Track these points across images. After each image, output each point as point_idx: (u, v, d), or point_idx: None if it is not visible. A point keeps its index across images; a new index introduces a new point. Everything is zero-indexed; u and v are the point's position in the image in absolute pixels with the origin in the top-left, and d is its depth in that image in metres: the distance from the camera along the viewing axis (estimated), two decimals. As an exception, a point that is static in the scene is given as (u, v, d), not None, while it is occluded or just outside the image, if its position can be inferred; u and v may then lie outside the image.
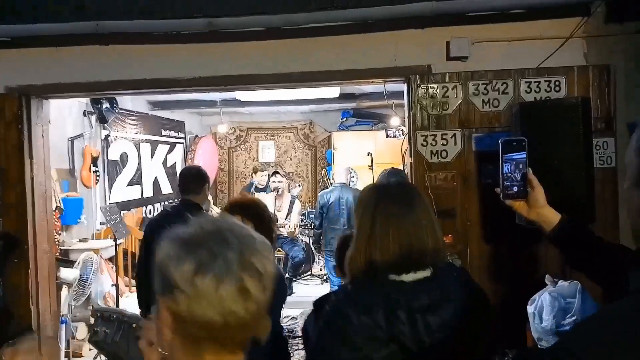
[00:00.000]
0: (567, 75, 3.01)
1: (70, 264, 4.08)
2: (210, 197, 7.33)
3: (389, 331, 1.16)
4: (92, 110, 5.34)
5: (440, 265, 1.29)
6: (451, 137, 3.11)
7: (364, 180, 6.11)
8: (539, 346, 2.32)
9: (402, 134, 6.17)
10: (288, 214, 5.86)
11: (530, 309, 2.41)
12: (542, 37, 3.01)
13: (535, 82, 3.04)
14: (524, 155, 1.33)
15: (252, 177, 6.91)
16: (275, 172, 5.97)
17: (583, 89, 2.99)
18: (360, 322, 1.18)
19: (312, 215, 6.20)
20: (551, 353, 0.69)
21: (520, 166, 1.33)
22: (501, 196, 1.36)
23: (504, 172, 1.34)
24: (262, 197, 6.19)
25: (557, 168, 2.30)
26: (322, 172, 8.54)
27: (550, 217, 1.33)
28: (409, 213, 1.26)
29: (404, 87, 3.31)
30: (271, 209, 5.54)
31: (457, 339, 1.20)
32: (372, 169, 6.00)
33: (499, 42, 3.05)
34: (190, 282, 0.77)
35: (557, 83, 3.03)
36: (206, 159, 7.61)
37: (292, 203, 5.93)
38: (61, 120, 4.85)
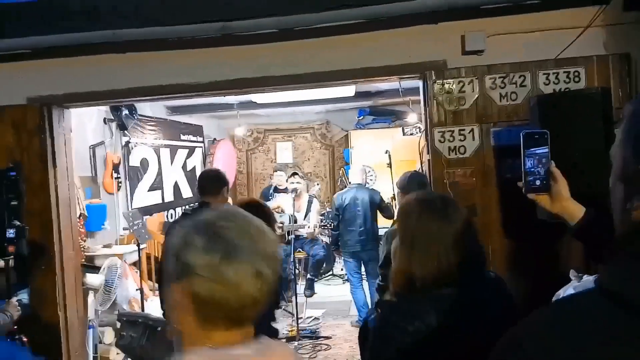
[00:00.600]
0: (587, 65, 2.95)
1: (95, 269, 4.16)
2: (230, 200, 7.39)
3: (439, 334, 1.20)
4: (112, 118, 5.43)
5: (476, 278, 1.30)
6: (469, 133, 3.07)
7: (382, 178, 6.08)
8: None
9: (419, 131, 6.13)
10: (306, 214, 5.87)
11: (554, 304, 2.36)
12: (559, 27, 2.95)
13: (553, 73, 2.99)
14: (547, 149, 1.30)
15: (270, 177, 6.95)
16: (294, 174, 5.98)
17: (603, 78, 2.92)
18: (414, 328, 1.22)
19: (331, 216, 6.21)
20: (503, 339, 0.67)
21: (543, 159, 1.30)
22: (524, 190, 1.34)
23: (527, 165, 1.31)
24: (282, 198, 6.22)
25: (576, 161, 2.25)
26: (341, 172, 8.53)
27: (575, 210, 1.31)
28: (448, 228, 1.29)
29: (419, 84, 3.28)
30: (290, 211, 5.59)
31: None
32: (391, 167, 5.97)
33: (515, 34, 3.00)
34: (211, 267, 0.84)
35: (576, 74, 2.97)
36: (225, 162, 7.68)
37: (310, 203, 5.94)
38: (82, 129, 4.94)
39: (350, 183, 5.69)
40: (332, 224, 5.33)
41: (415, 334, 1.20)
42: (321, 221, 5.92)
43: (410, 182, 2.82)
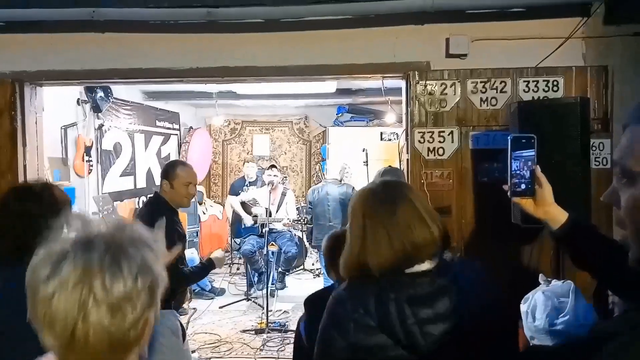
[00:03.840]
0: (565, 75, 3.02)
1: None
2: (204, 190, 7.30)
3: (379, 320, 1.18)
4: (86, 99, 5.28)
5: (446, 259, 1.28)
6: (448, 135, 3.11)
7: (358, 176, 6.10)
8: (531, 344, 2.32)
9: (397, 137, 6.17)
10: (279, 206, 5.85)
11: (523, 307, 2.41)
12: (541, 36, 3.01)
13: (533, 81, 3.05)
14: (533, 153, 1.31)
15: (240, 169, 6.88)
16: (272, 166, 5.94)
17: (581, 89, 3.00)
18: (353, 310, 1.21)
19: (305, 210, 6.21)
20: None
21: (529, 163, 1.32)
22: (509, 193, 1.35)
23: (513, 169, 1.32)
24: (254, 190, 6.18)
25: (553, 168, 2.30)
26: (317, 167, 8.52)
27: (558, 215, 1.33)
28: (395, 213, 1.26)
29: (402, 84, 3.30)
30: (265, 203, 5.56)
31: (454, 333, 1.19)
32: (367, 165, 5.99)
33: (498, 41, 3.05)
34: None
35: (555, 83, 3.03)
36: (201, 151, 7.57)
37: (283, 195, 5.92)
38: (54, 108, 4.78)
39: (325, 179, 5.69)
40: (306, 219, 5.30)
41: (363, 322, 1.20)
42: (297, 215, 5.92)
43: (382, 178, 2.82)
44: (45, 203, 1.72)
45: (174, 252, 2.31)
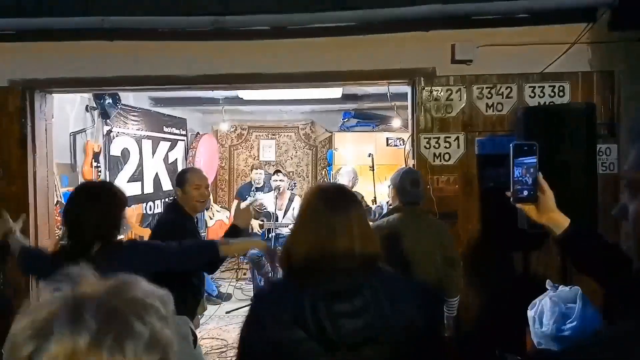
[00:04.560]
0: (571, 80, 3.03)
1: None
2: (210, 195, 7.33)
3: (294, 314, 1.21)
4: (95, 106, 5.33)
5: (369, 274, 1.29)
6: (454, 140, 3.12)
7: (364, 181, 6.11)
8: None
9: (403, 143, 6.18)
10: (286, 211, 5.86)
11: (530, 313, 2.41)
12: (547, 42, 3.02)
13: (539, 87, 3.05)
14: (535, 160, 1.33)
15: (249, 175, 6.91)
16: (277, 171, 5.96)
17: (587, 95, 3.00)
18: (270, 305, 1.27)
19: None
20: None
21: (531, 170, 1.33)
22: (511, 200, 1.36)
23: (515, 175, 1.34)
24: (264, 195, 6.20)
25: (559, 173, 2.30)
26: (323, 172, 8.54)
27: (560, 221, 1.34)
28: (329, 217, 1.31)
29: (408, 90, 3.31)
30: (272, 209, 5.57)
31: (369, 331, 1.21)
32: (373, 170, 6.00)
33: (504, 47, 3.06)
34: None
35: (561, 88, 3.04)
36: (208, 156, 7.61)
37: (290, 201, 5.93)
38: (63, 115, 4.84)
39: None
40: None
41: (279, 316, 1.23)
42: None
43: (403, 179, 2.82)
44: (117, 198, 2.00)
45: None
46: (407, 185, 2.78)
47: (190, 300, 2.69)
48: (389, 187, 3.04)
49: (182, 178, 2.88)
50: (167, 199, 6.81)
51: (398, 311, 1.23)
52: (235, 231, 2.62)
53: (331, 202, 1.34)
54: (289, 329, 1.21)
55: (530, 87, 3.06)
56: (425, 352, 1.29)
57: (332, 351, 1.20)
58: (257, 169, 6.99)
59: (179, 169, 7.42)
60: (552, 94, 3.03)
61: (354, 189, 5.50)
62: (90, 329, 0.61)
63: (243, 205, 6.08)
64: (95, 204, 1.95)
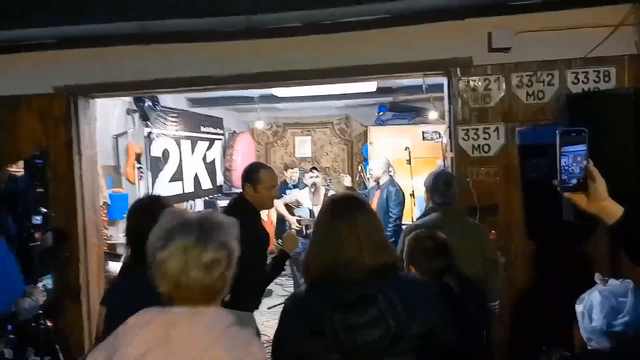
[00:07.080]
0: (617, 64, 2.89)
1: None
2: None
3: (313, 327, 1.25)
4: (135, 109, 5.48)
5: (384, 282, 1.30)
6: (494, 131, 3.03)
7: (402, 175, 6.03)
8: (588, 347, 2.24)
9: (439, 136, 6.06)
10: (323, 207, 5.86)
11: (579, 307, 2.31)
12: (589, 25, 2.89)
13: (582, 72, 2.93)
14: (584, 147, 1.25)
15: (282, 174, 6.93)
16: (313, 168, 5.97)
17: (634, 79, 2.85)
18: (294, 317, 1.33)
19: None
20: None
21: (579, 158, 1.25)
22: (559, 189, 1.29)
23: (562, 164, 1.27)
24: (296, 193, 6.22)
25: (606, 161, 2.20)
26: (359, 167, 8.50)
27: (613, 210, 1.27)
28: (335, 227, 1.34)
29: (443, 80, 3.24)
30: (309, 205, 5.59)
31: (386, 341, 1.23)
32: (410, 164, 5.91)
33: (543, 32, 2.95)
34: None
35: (606, 73, 2.90)
36: (245, 155, 7.71)
37: (326, 196, 5.93)
38: (106, 119, 5.00)
39: (369, 180, 5.63)
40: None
41: (302, 328, 1.28)
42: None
43: (436, 181, 2.80)
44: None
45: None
46: (439, 186, 2.78)
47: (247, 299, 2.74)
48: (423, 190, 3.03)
49: (255, 176, 2.79)
50: (206, 198, 6.95)
51: (416, 318, 1.24)
52: (284, 257, 2.84)
53: (337, 212, 1.37)
54: (310, 340, 1.26)
55: (573, 73, 2.94)
56: (452, 356, 1.29)
57: None
58: (290, 168, 7.01)
59: (217, 168, 7.56)
60: (597, 79, 2.90)
61: (393, 177, 5.43)
62: (194, 234, 1.14)
63: (280, 202, 6.15)
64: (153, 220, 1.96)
